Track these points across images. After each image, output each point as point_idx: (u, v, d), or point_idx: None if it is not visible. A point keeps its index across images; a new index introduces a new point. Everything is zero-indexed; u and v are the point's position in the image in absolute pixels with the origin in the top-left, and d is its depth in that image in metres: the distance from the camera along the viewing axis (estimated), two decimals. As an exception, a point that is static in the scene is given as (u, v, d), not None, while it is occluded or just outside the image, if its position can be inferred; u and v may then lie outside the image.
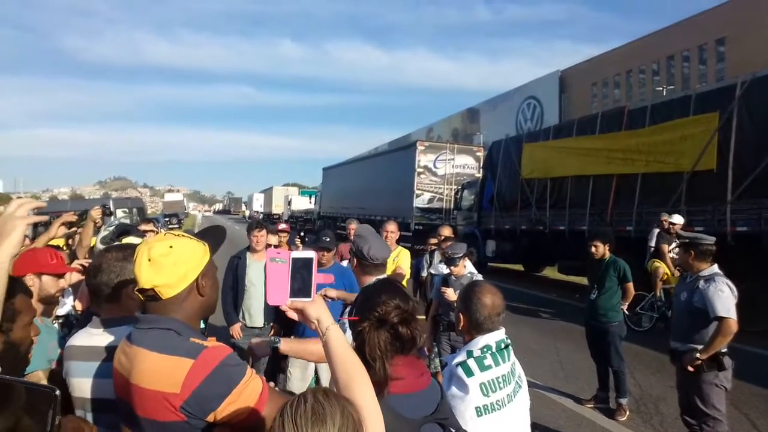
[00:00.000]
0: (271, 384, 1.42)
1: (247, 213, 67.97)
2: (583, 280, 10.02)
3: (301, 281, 1.29)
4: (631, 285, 5.11)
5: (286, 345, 1.99)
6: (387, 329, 1.43)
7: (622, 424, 4.72)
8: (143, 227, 5.11)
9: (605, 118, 11.12)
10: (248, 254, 4.63)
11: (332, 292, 3.36)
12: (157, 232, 5.03)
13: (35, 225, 1.36)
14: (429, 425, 1.39)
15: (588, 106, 30.69)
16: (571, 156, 11.54)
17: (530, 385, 2.24)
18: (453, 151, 18.55)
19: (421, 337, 1.49)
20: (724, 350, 3.46)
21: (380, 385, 1.32)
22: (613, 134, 10.53)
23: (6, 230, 1.27)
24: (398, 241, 5.56)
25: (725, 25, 25.02)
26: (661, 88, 25.96)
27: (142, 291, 1.35)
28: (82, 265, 2.67)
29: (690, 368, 3.49)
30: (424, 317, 4.82)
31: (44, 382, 1.79)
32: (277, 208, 46.07)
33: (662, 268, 8.00)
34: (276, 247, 5.20)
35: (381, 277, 2.42)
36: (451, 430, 1.43)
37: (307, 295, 1.29)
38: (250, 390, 1.26)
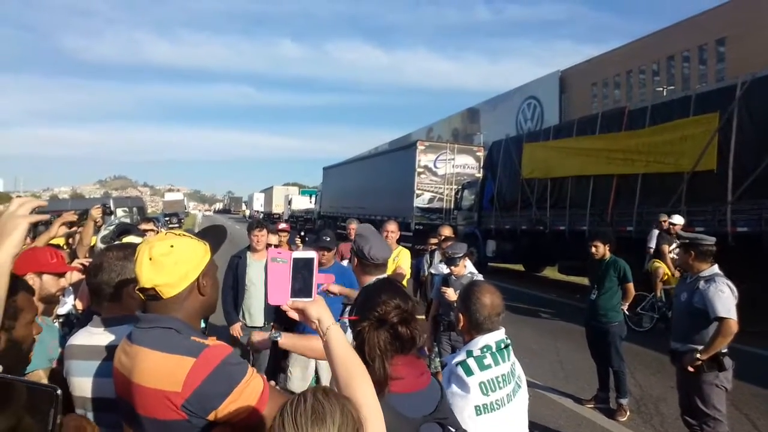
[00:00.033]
0: (272, 383, 1.42)
1: (248, 212, 67.99)
2: (584, 281, 10.03)
3: (302, 281, 1.30)
4: (631, 285, 5.11)
5: (286, 340, 1.99)
6: (387, 329, 1.43)
7: (622, 424, 4.72)
8: (143, 226, 5.12)
9: (605, 118, 11.13)
10: (248, 254, 4.64)
11: (335, 288, 3.39)
12: (158, 232, 5.03)
13: (36, 224, 1.36)
14: (428, 424, 1.39)
15: (588, 107, 30.67)
16: (571, 156, 11.54)
17: (530, 385, 2.24)
18: (453, 151, 18.56)
19: (421, 336, 1.49)
20: (725, 351, 3.46)
21: (380, 385, 1.32)
22: (614, 134, 10.53)
23: (7, 229, 1.27)
24: (398, 241, 5.56)
25: (725, 26, 25.00)
26: (661, 89, 25.94)
27: (143, 290, 1.35)
28: (82, 264, 2.67)
29: (690, 369, 3.49)
30: (423, 317, 4.82)
31: (45, 381, 1.79)
32: (278, 207, 46.08)
33: (662, 269, 8.00)
34: (276, 246, 5.21)
35: (381, 276, 2.41)
36: (451, 429, 1.43)
37: (308, 295, 1.29)
38: (251, 389, 1.26)
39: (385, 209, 18.79)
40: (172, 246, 1.35)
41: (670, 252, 7.83)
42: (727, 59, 25.75)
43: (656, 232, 8.39)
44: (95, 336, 1.67)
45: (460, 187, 16.89)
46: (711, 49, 27.06)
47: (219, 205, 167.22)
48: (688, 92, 10.03)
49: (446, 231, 5.79)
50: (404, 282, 4.80)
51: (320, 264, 3.53)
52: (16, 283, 1.46)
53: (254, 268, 4.53)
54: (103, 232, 3.55)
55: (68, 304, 3.31)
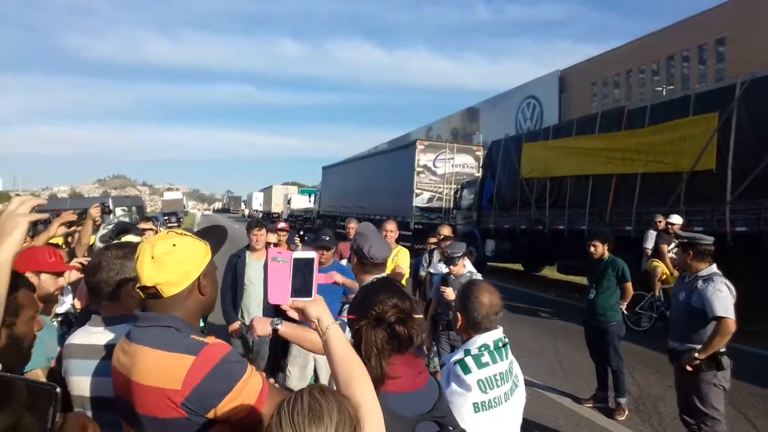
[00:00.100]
0: (271, 381, 1.42)
1: (247, 212, 67.92)
2: (583, 280, 10.04)
3: (302, 281, 1.31)
4: (629, 285, 5.11)
5: (287, 328, 1.99)
6: (384, 328, 1.44)
7: (620, 423, 4.73)
8: (142, 225, 5.12)
9: (605, 117, 11.13)
10: (248, 253, 4.64)
11: (339, 278, 3.40)
12: (156, 231, 5.04)
13: (35, 223, 1.37)
14: (425, 423, 1.39)
15: (588, 106, 30.66)
16: (570, 156, 11.55)
17: (529, 384, 2.25)
18: (452, 151, 18.56)
19: (419, 336, 1.49)
20: (723, 350, 3.47)
21: (376, 383, 1.33)
22: (613, 134, 10.54)
23: (8, 228, 1.27)
24: (398, 241, 5.57)
25: (725, 25, 25.00)
26: (660, 88, 25.94)
27: (144, 288, 1.35)
28: (81, 263, 2.67)
29: (688, 368, 3.49)
30: (422, 316, 4.82)
31: (43, 380, 1.79)
32: (277, 206, 46.04)
33: (661, 268, 8.01)
34: (275, 245, 5.21)
35: (380, 276, 2.42)
36: (449, 428, 1.43)
37: (308, 294, 1.31)
38: (250, 387, 1.27)
39: (385, 208, 18.79)
40: (174, 245, 1.36)
41: (668, 251, 7.84)
42: (726, 59, 25.75)
43: (652, 232, 8.41)
44: (94, 335, 1.67)
45: (459, 186, 16.90)
46: (711, 48, 27.06)
47: (218, 205, 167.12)
48: (688, 92, 10.04)
49: (445, 230, 5.79)
50: (403, 281, 4.80)
51: (320, 263, 3.54)
52: (17, 279, 1.46)
53: (253, 267, 4.53)
54: (102, 231, 3.54)
55: (67, 303, 3.30)
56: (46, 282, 2.23)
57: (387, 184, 20.21)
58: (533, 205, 12.66)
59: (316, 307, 1.31)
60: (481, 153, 18.26)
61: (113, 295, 1.74)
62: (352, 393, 1.17)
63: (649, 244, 8.34)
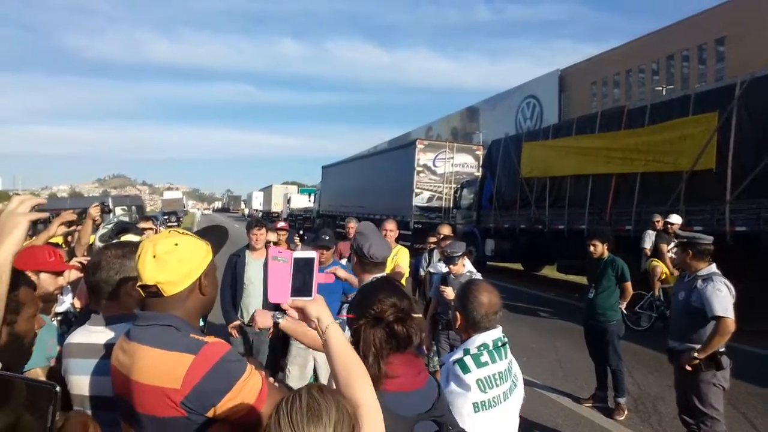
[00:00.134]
0: (271, 379, 1.43)
1: (246, 211, 67.95)
2: (582, 280, 10.03)
3: (302, 280, 1.31)
4: (629, 284, 5.11)
5: (287, 322, 2.00)
6: (383, 327, 1.44)
7: (620, 423, 4.73)
8: (142, 225, 5.12)
9: (605, 117, 11.13)
10: (247, 252, 4.63)
11: (341, 272, 3.40)
12: (156, 230, 5.04)
13: (35, 222, 1.37)
14: (423, 423, 1.39)
15: (587, 106, 30.65)
16: (570, 155, 11.55)
17: (529, 384, 2.25)
18: (452, 150, 18.55)
19: (418, 335, 1.49)
20: (722, 349, 3.47)
21: (374, 383, 1.33)
22: (613, 134, 10.54)
23: (8, 227, 1.27)
24: (397, 240, 5.57)
25: (725, 25, 24.99)
26: (660, 88, 25.93)
27: (145, 287, 1.35)
28: (80, 262, 2.67)
29: (688, 367, 3.49)
30: (421, 316, 4.82)
31: (43, 379, 1.79)
32: (277, 206, 46.06)
33: (660, 268, 8.01)
34: (275, 245, 5.21)
35: (379, 275, 2.42)
36: (449, 428, 1.43)
37: (308, 294, 1.31)
38: (250, 386, 1.27)
39: (384, 208, 18.79)
40: (176, 244, 1.36)
41: (668, 251, 7.85)
42: (726, 59, 25.74)
43: (650, 232, 8.42)
44: (94, 334, 1.67)
45: (459, 186, 16.90)
46: (710, 48, 27.05)
47: (218, 204, 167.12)
48: (688, 91, 10.04)
49: (445, 230, 5.79)
50: (403, 281, 4.81)
51: (319, 263, 3.54)
52: (18, 277, 1.46)
53: (253, 266, 4.53)
54: (102, 231, 3.54)
55: (66, 303, 3.30)
56: (45, 281, 2.23)
57: (387, 184, 20.21)
58: (533, 205, 12.66)
59: (316, 306, 1.31)
60: (480, 152, 18.26)
61: (113, 294, 1.74)
62: (351, 392, 1.17)
63: (647, 245, 8.35)
